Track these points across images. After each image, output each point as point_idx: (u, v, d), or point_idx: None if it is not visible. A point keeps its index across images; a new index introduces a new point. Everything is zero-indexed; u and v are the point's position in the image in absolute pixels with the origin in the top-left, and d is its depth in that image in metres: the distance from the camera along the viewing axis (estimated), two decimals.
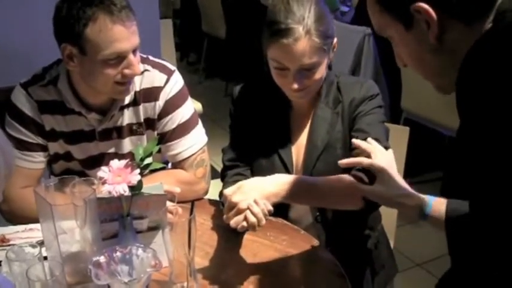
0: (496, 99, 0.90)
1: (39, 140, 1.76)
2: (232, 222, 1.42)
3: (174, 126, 1.81)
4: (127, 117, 1.79)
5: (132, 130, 1.81)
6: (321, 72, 1.63)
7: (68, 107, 1.74)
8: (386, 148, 1.58)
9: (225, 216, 1.45)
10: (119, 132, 1.80)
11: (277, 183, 1.49)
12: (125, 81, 1.67)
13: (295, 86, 1.61)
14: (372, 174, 1.43)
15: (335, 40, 1.66)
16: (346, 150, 1.68)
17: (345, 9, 4.56)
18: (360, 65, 3.81)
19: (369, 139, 1.54)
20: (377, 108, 1.70)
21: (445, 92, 1.11)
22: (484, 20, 1.02)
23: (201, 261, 1.49)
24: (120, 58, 1.61)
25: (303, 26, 1.56)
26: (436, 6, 1.01)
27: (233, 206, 1.42)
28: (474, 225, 0.98)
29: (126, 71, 1.64)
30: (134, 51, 1.64)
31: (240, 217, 1.41)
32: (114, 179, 1.29)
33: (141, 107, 1.79)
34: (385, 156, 1.48)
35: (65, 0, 1.61)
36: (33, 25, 2.45)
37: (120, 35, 1.59)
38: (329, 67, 1.73)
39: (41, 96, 1.74)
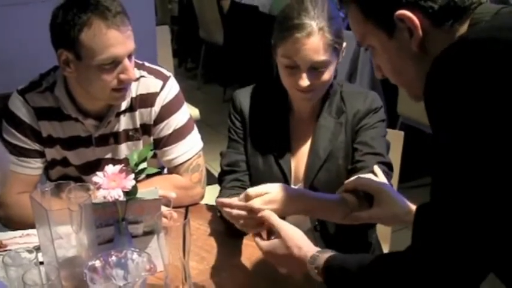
0: (457, 104, 0.94)
1: (36, 146, 1.77)
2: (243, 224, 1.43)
3: (169, 131, 1.82)
4: (123, 123, 1.81)
5: (129, 136, 1.83)
6: (329, 74, 1.64)
7: (64, 113, 1.75)
8: (388, 164, 1.63)
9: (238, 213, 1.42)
10: (116, 138, 1.81)
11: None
12: (122, 88, 1.68)
13: (305, 82, 1.60)
14: (370, 195, 1.45)
15: (344, 44, 1.67)
16: (347, 161, 1.70)
17: (341, 14, 4.56)
18: (356, 70, 3.82)
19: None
20: (380, 122, 1.71)
21: (421, 100, 1.14)
22: (461, 28, 1.05)
23: (196, 265, 1.50)
24: (115, 63, 1.63)
25: (316, 23, 1.57)
26: (419, 14, 1.04)
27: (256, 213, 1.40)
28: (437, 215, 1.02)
29: (122, 76, 1.65)
30: (129, 57, 1.66)
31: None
32: (109, 184, 1.30)
33: (137, 113, 1.80)
34: (379, 176, 1.50)
35: (60, 7, 1.63)
36: (32, 32, 2.46)
37: (115, 39, 1.60)
38: (334, 76, 1.74)
39: (38, 102, 1.75)
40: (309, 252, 1.28)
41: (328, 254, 1.26)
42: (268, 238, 1.39)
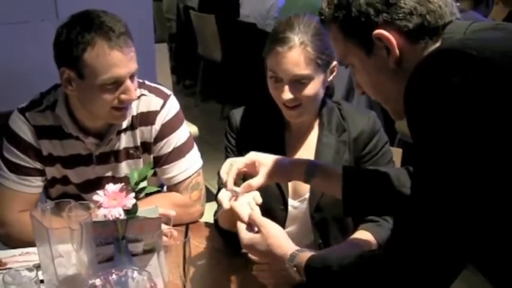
0: (433, 112, 0.99)
1: (36, 165, 1.78)
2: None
3: (170, 149, 1.83)
4: (124, 141, 1.81)
5: (129, 154, 1.83)
6: (314, 88, 1.65)
7: (65, 131, 1.76)
8: None
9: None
10: (116, 156, 1.82)
11: None
12: (122, 107, 1.69)
13: (287, 95, 1.64)
14: None
15: (334, 63, 1.69)
16: None
17: None
18: (354, 87, 3.84)
19: None
20: (386, 145, 1.76)
21: (400, 117, 1.18)
22: (434, 45, 1.10)
23: (196, 283, 1.50)
24: (117, 83, 1.64)
25: (298, 37, 1.61)
26: (395, 33, 1.09)
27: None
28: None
29: (123, 96, 1.66)
30: (131, 77, 1.67)
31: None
32: (110, 202, 1.31)
33: (137, 131, 1.81)
34: None
35: (65, 25, 1.64)
36: (34, 50, 2.48)
37: (118, 60, 1.61)
38: (330, 95, 1.77)
39: (38, 121, 1.76)
40: (288, 250, 1.31)
41: (307, 253, 1.28)
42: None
